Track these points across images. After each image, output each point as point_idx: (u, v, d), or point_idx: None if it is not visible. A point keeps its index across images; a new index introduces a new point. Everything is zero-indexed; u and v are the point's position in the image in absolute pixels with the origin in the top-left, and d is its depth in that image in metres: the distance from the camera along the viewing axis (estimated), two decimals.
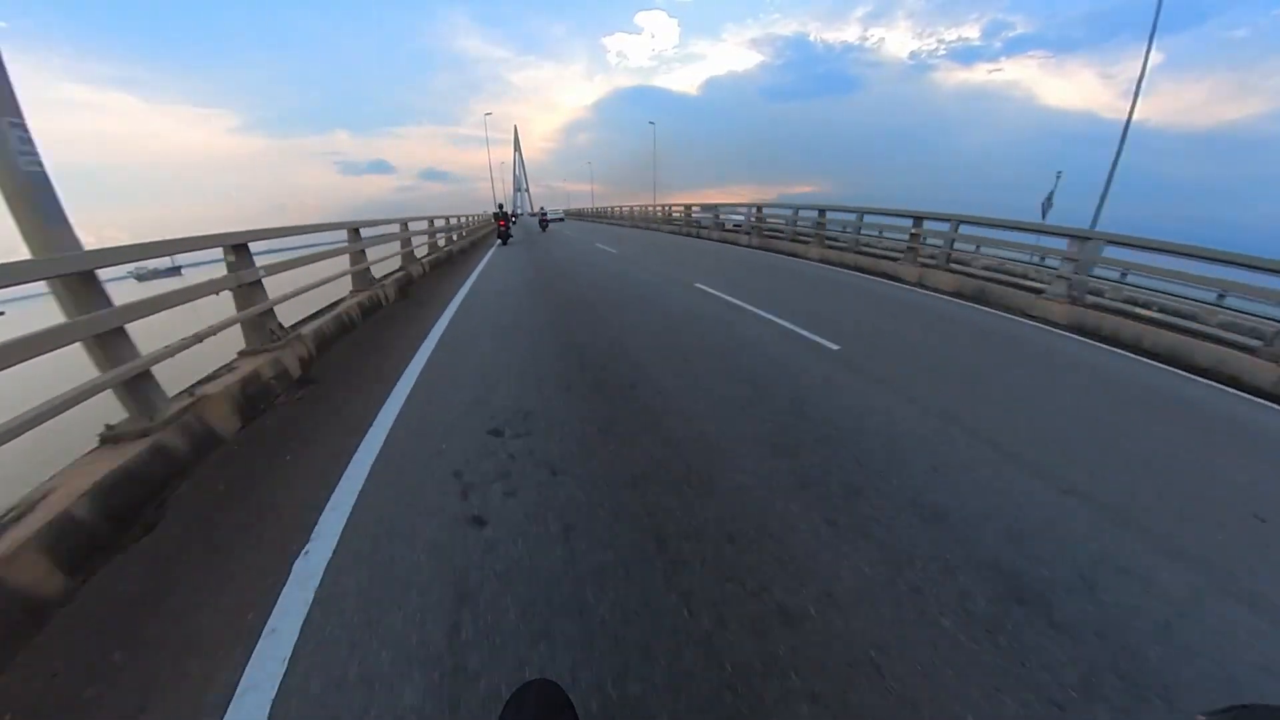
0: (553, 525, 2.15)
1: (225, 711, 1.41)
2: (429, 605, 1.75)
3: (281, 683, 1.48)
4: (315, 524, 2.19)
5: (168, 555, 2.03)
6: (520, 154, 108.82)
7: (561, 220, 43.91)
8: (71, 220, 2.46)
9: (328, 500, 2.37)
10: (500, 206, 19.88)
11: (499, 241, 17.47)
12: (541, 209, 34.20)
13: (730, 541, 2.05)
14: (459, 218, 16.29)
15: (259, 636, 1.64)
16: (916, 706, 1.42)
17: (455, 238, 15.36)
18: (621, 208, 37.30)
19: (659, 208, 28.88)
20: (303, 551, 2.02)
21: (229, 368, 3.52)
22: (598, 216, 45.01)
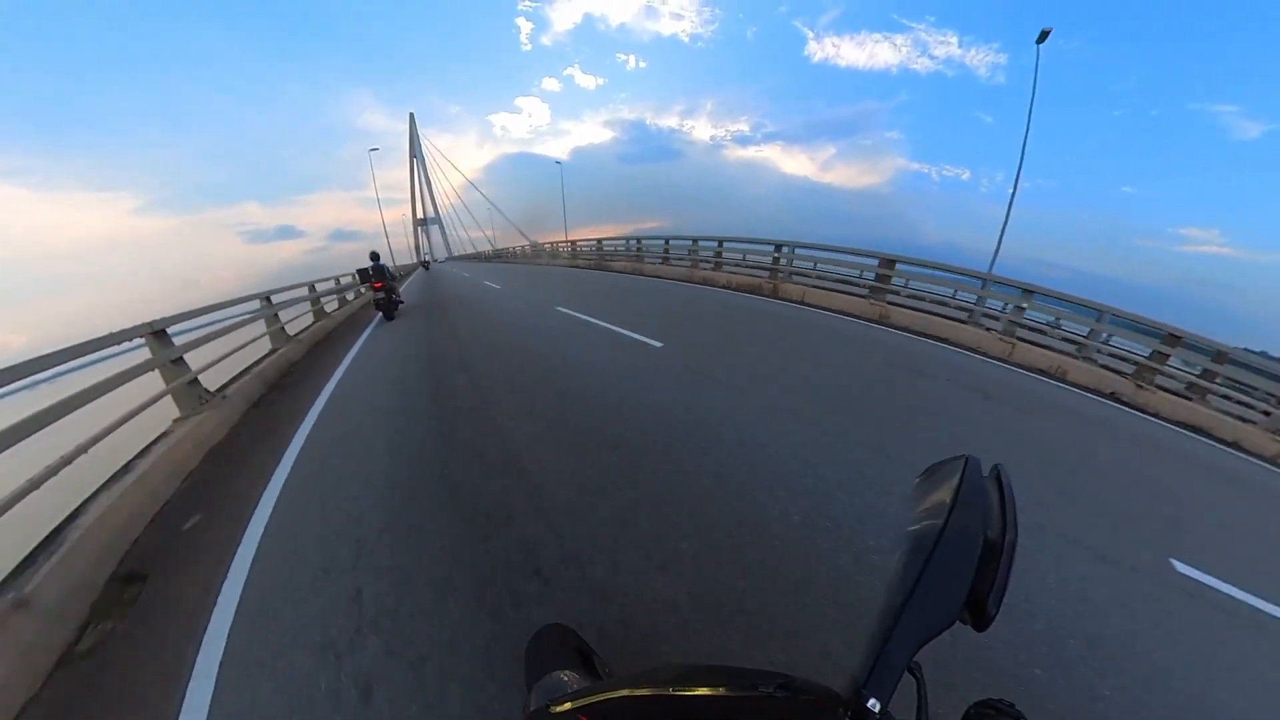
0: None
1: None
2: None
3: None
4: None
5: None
6: (421, 160, 70.34)
7: (441, 261, 62.80)
8: None
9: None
10: (375, 258, 10.49)
11: (379, 316, 9.92)
12: (431, 257, 38.72)
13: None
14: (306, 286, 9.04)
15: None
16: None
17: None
18: (511, 249, 43.84)
19: (531, 246, 34.42)
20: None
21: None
22: (492, 257, 50.75)
